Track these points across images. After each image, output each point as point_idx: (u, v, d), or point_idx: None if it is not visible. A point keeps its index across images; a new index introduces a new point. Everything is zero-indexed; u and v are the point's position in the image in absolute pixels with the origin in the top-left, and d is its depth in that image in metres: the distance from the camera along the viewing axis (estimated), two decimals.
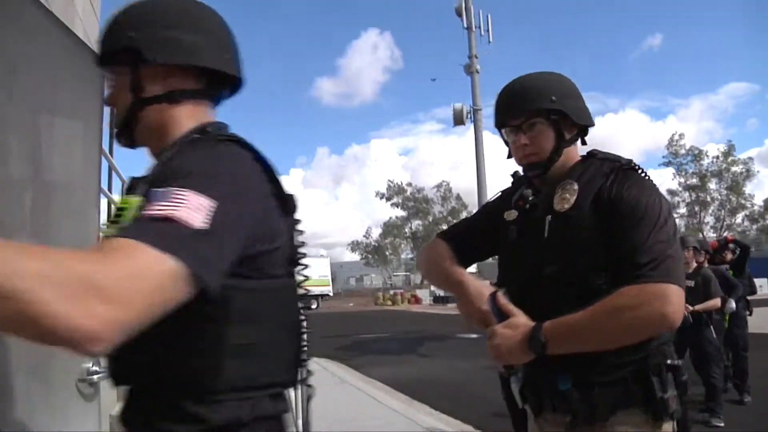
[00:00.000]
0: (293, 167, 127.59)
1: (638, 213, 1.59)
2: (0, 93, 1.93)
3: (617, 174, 1.69)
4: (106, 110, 2.66)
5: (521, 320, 1.63)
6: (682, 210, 50.45)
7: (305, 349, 1.32)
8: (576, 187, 1.72)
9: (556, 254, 1.69)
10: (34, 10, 2.15)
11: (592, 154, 1.82)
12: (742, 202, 49.42)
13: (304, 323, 1.32)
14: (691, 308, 6.14)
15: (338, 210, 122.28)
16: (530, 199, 1.84)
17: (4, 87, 1.95)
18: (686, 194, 49.90)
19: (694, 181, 49.21)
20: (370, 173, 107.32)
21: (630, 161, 1.74)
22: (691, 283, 6.33)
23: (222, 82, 1.35)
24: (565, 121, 1.78)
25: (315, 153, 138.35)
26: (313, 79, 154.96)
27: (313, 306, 39.13)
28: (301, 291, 1.32)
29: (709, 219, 50.44)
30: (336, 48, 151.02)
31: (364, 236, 61.73)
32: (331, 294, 44.82)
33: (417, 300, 44.32)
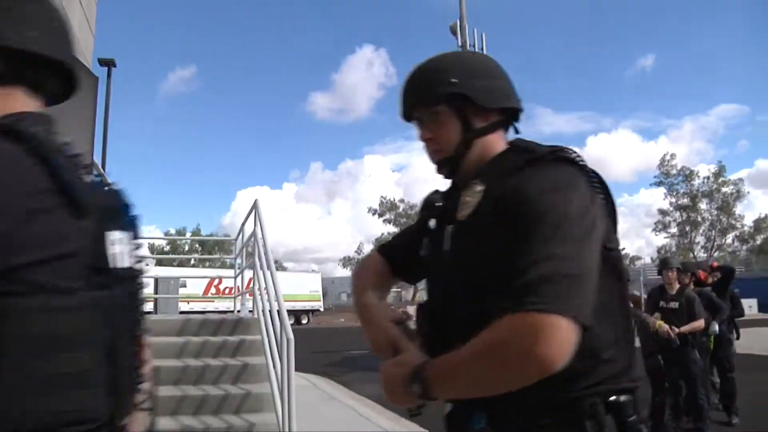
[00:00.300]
0: (286, 181, 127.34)
1: (534, 217, 1.21)
2: None
3: (532, 167, 1.33)
4: (98, 123, 2.67)
5: (409, 357, 1.35)
6: (674, 230, 50.89)
7: (133, 373, 1.14)
8: (480, 188, 1.41)
9: (455, 272, 1.39)
10: None
11: (513, 145, 1.49)
12: (733, 222, 49.88)
13: (134, 343, 1.15)
14: (676, 330, 6.19)
15: (331, 225, 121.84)
16: (436, 204, 1.56)
17: None
18: (677, 214, 50.25)
19: (685, 201, 49.62)
20: (363, 189, 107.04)
21: (555, 150, 1.37)
22: (675, 305, 6.39)
23: (34, 65, 1.13)
24: (473, 106, 1.46)
25: (308, 168, 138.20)
26: (307, 94, 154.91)
27: (304, 321, 39.09)
28: (132, 304, 1.15)
29: (700, 239, 50.81)
30: (331, 63, 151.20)
31: (356, 252, 61.54)
32: (322, 309, 44.60)
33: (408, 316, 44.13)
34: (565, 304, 1.12)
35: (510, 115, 1.54)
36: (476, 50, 18.24)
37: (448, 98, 1.46)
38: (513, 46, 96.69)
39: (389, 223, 55.37)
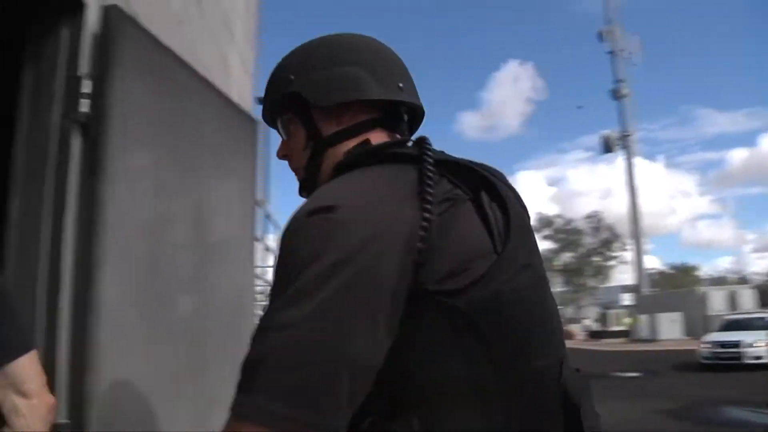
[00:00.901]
0: None
1: (278, 259, 0.83)
2: (164, 160, 2.08)
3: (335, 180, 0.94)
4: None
5: None
6: None
7: None
8: None
9: None
10: (190, 78, 2.32)
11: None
12: None
13: None
14: None
15: None
16: None
17: (167, 154, 2.11)
18: None
19: None
20: None
21: (385, 146, 1.01)
22: None
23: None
24: (317, 107, 1.07)
25: None
26: (455, 114, 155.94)
27: None
28: None
29: None
30: (476, 81, 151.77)
31: None
32: None
33: (568, 335, 42.83)
34: (261, 408, 0.72)
35: (392, 112, 1.11)
36: (630, 54, 17.34)
37: (289, 101, 1.10)
38: (669, 47, 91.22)
39: (548, 239, 53.93)
